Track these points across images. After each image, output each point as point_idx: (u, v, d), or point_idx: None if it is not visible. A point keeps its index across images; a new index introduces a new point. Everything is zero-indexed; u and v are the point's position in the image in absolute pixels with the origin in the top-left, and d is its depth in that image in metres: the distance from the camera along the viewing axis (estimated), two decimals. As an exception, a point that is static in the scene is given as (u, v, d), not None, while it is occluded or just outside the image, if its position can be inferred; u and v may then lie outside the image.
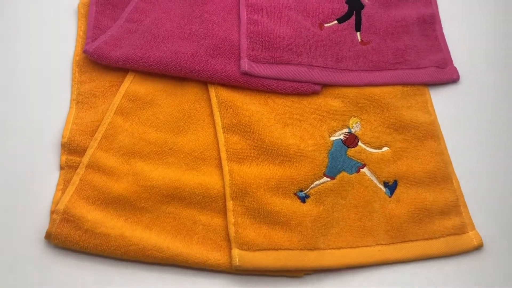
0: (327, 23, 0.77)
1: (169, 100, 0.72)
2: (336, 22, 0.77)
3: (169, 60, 0.71)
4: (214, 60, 0.72)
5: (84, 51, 0.73)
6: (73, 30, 0.78)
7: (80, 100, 0.72)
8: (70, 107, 0.72)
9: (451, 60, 0.77)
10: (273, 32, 0.73)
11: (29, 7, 0.80)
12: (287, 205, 0.64)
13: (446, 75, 0.76)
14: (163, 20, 0.76)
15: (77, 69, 0.74)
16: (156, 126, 0.70)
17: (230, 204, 0.64)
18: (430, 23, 0.79)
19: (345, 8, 0.78)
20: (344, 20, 0.77)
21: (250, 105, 0.71)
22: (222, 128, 0.69)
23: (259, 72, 0.71)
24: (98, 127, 0.69)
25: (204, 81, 0.72)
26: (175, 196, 0.65)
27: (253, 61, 0.72)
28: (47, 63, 0.75)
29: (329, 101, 0.73)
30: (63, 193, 0.65)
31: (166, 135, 0.70)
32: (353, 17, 0.78)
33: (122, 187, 0.65)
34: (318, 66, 0.73)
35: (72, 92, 0.73)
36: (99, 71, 0.74)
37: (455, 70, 0.76)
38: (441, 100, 0.75)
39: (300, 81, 0.72)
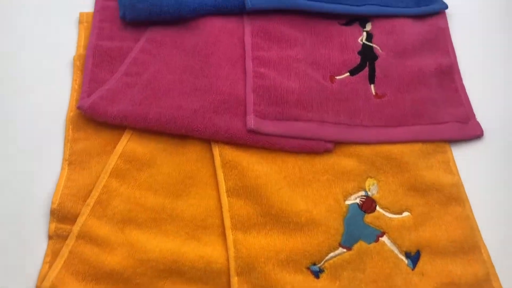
0: (338, 75, 0.72)
1: (168, 160, 0.66)
2: (348, 74, 0.72)
3: (170, 117, 0.66)
4: (218, 116, 0.67)
5: (78, 107, 0.68)
6: (68, 84, 0.73)
7: (72, 161, 0.67)
8: (62, 168, 0.66)
9: (473, 114, 0.72)
10: (282, 86, 0.68)
11: (22, 58, 0.75)
12: (299, 281, 0.58)
13: (469, 131, 0.70)
14: (164, 73, 0.71)
15: (70, 126, 0.69)
16: (154, 190, 0.64)
17: (235, 280, 0.58)
18: (449, 74, 0.74)
19: (357, 59, 0.73)
20: (357, 72, 0.72)
21: (257, 166, 0.65)
22: (226, 192, 0.63)
23: (266, 129, 0.66)
24: (91, 191, 0.64)
25: (207, 139, 0.67)
26: (174, 271, 0.59)
27: (260, 117, 0.66)
28: (38, 119, 0.70)
29: (342, 160, 0.67)
30: (50, 266, 0.59)
31: (165, 199, 0.64)
32: (366, 68, 0.73)
33: (116, 260, 0.59)
34: (330, 122, 0.68)
35: (64, 152, 0.68)
36: (94, 128, 0.69)
37: (478, 125, 0.71)
38: (464, 158, 0.69)
39: (311, 139, 0.67)
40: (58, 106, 0.71)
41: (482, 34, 0.79)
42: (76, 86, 0.72)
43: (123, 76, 0.71)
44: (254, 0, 0.72)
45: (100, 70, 0.73)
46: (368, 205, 0.64)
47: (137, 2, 0.73)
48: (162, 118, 0.66)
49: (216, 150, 0.66)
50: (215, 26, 0.74)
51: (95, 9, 0.78)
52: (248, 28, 0.74)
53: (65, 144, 0.68)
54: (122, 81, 0.71)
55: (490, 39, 0.79)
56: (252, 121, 0.66)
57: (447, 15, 0.80)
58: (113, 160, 0.65)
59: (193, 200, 0.64)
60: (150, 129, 0.67)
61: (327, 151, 0.67)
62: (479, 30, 0.80)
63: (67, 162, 0.67)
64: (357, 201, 0.65)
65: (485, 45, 0.78)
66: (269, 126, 0.66)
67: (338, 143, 0.68)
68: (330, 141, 0.67)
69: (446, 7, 0.79)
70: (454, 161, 0.68)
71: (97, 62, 0.73)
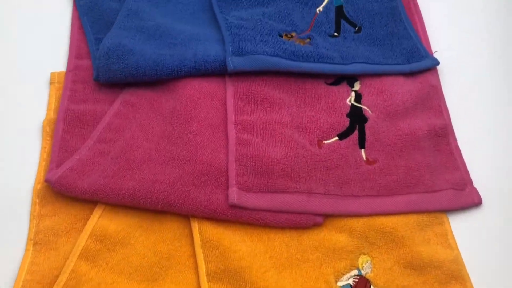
0: (326, 139, 0.67)
1: (144, 238, 0.61)
2: (336, 138, 0.68)
3: (145, 191, 0.61)
4: (198, 189, 0.62)
5: (46, 181, 0.63)
6: (36, 152, 0.68)
7: (38, 241, 0.61)
8: (26, 250, 0.60)
9: (470, 180, 0.67)
10: (266, 155, 0.64)
11: (-12, 124, 0.70)
12: None
13: (466, 199, 0.66)
14: (140, 140, 0.66)
15: (37, 201, 0.64)
16: (128, 273, 0.59)
17: None
18: (443, 136, 0.70)
19: (346, 122, 0.69)
20: (346, 136, 0.68)
21: (241, 245, 0.60)
22: (206, 276, 0.58)
23: (250, 203, 0.61)
24: (58, 276, 0.58)
25: (185, 214, 0.62)
26: None
27: (244, 190, 0.61)
28: (1, 192, 0.64)
29: (333, 236, 0.62)
30: None
31: (139, 285, 0.58)
32: (356, 132, 0.68)
33: None
34: (319, 193, 0.63)
35: (29, 230, 0.62)
36: (63, 202, 0.64)
37: (475, 192, 0.66)
38: (462, 229, 0.64)
39: (299, 213, 0.62)
40: (25, 177, 0.66)
41: (476, 91, 0.76)
42: (45, 155, 0.67)
43: (96, 143, 0.66)
44: (236, 62, 0.68)
45: (71, 136, 0.68)
46: (361, 286, 0.59)
47: (111, 63, 0.69)
48: (137, 193, 0.61)
49: (195, 227, 0.61)
50: (195, 88, 0.69)
51: (67, 68, 0.74)
52: (230, 89, 0.69)
53: (30, 221, 0.62)
54: (94, 150, 0.66)
55: (485, 97, 0.75)
56: (234, 195, 0.61)
57: (438, 72, 0.76)
58: (82, 239, 0.60)
59: (170, 285, 0.58)
60: (123, 204, 0.61)
61: (316, 225, 0.62)
62: (472, 87, 0.76)
63: (32, 242, 0.61)
64: (350, 281, 0.59)
65: (479, 103, 0.75)
66: (253, 200, 0.61)
67: (328, 216, 0.63)
68: (319, 214, 0.62)
69: (438, 63, 0.76)
70: (452, 233, 0.64)
71: (68, 128, 0.68)
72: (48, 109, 0.71)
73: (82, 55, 0.75)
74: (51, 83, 0.73)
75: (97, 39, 0.75)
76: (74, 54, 0.75)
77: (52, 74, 0.74)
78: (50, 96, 0.72)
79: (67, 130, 0.68)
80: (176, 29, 0.74)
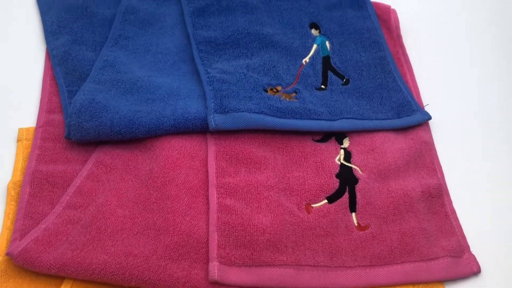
0: (315, 203, 0.63)
1: (115, 319, 0.55)
2: (326, 201, 0.63)
3: (117, 266, 0.55)
4: (175, 264, 0.56)
5: (8, 254, 0.57)
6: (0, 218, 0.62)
7: (-4, 324, 0.55)
8: (-18, 335, 0.54)
9: (468, 246, 0.63)
10: (250, 224, 0.59)
11: None
12: None
13: (464, 268, 0.61)
14: (113, 206, 0.61)
15: (-3, 276, 0.58)
16: None
17: None
18: (438, 197, 0.66)
19: (335, 183, 0.65)
20: (336, 199, 0.64)
21: (222, 326, 0.54)
22: None
23: (233, 279, 0.56)
24: None
25: (162, 291, 0.56)
26: None
27: (226, 264, 0.56)
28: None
29: (323, 313, 0.57)
30: None
31: None
32: (346, 194, 0.64)
33: None
34: (308, 265, 0.58)
35: (-13, 311, 0.56)
36: (26, 277, 0.58)
37: (473, 260, 0.62)
38: (461, 301, 0.60)
39: (286, 288, 0.57)
40: (-15, 248, 0.60)
41: (470, 147, 0.72)
42: (8, 223, 0.61)
43: (65, 209, 0.61)
44: (218, 121, 0.64)
45: (39, 201, 0.62)
46: None
47: (84, 121, 0.64)
48: (108, 268, 0.55)
49: (172, 306, 0.55)
50: (174, 148, 0.65)
51: (37, 124, 0.69)
52: (211, 149, 0.65)
53: (-11, 301, 0.56)
54: (63, 217, 0.60)
55: (479, 153, 0.72)
56: (215, 271, 0.56)
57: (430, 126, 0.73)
58: (46, 323, 0.54)
59: None
60: (93, 280, 0.56)
61: (305, 302, 0.57)
62: (466, 142, 0.73)
63: (-11, 325, 0.55)
64: None
65: (473, 160, 0.71)
66: (236, 276, 0.56)
67: (318, 290, 0.58)
68: (308, 289, 0.57)
69: (430, 117, 0.72)
70: (450, 307, 0.59)
71: (35, 191, 0.63)
72: (14, 170, 0.66)
73: (54, 109, 0.71)
74: (18, 140, 0.68)
75: (70, 91, 0.71)
76: (45, 108, 0.71)
77: (20, 130, 0.69)
78: (17, 154, 0.67)
79: (34, 194, 0.62)
80: (154, 82, 0.70)
